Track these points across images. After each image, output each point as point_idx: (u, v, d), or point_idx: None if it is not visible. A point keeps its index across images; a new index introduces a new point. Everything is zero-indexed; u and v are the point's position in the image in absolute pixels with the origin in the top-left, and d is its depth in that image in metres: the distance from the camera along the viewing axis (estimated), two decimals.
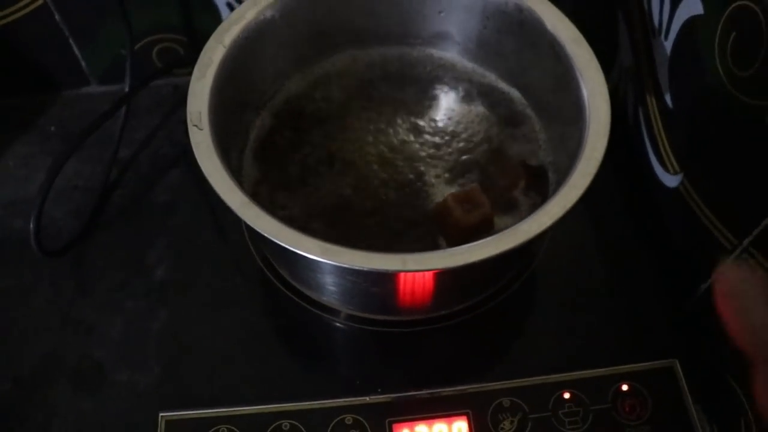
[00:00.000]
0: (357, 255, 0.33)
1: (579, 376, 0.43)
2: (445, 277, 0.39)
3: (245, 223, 0.49)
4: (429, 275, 0.37)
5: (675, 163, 0.48)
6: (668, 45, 0.47)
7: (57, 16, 0.58)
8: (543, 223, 0.35)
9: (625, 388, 0.43)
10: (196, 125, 0.38)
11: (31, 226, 0.50)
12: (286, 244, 0.34)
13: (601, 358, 0.44)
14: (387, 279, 0.37)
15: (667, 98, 0.48)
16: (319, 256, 0.33)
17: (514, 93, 0.49)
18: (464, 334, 0.45)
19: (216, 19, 0.61)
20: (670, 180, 0.49)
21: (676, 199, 0.47)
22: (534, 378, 0.43)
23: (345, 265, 0.33)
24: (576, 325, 0.46)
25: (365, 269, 0.33)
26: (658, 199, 0.51)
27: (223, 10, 0.60)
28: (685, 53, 0.45)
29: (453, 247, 0.34)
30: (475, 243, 0.34)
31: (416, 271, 0.33)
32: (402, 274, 0.36)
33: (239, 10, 0.44)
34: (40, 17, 0.58)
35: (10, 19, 0.58)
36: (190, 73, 0.64)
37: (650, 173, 0.51)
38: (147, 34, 0.61)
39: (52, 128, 0.63)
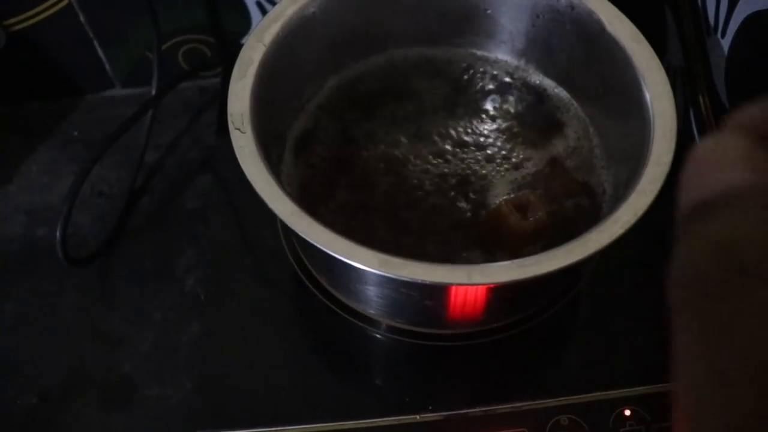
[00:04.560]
0: (418, 267, 0.31)
1: (640, 392, 0.41)
2: (505, 289, 0.37)
3: (282, 230, 0.48)
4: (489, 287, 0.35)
5: None
6: (725, 43, 0.45)
7: (81, 17, 0.56)
8: (614, 233, 0.33)
9: None
10: (238, 128, 0.36)
11: (58, 234, 0.48)
12: (341, 255, 0.31)
13: (663, 374, 0.41)
14: (445, 291, 0.35)
15: (724, 98, 0.46)
16: (377, 269, 0.31)
17: (564, 94, 0.47)
18: (516, 349, 0.43)
19: (245, 19, 0.59)
20: None
21: None
22: (592, 394, 0.41)
23: (406, 279, 0.31)
24: (633, 339, 0.44)
25: (428, 282, 0.30)
26: None
27: (253, 9, 0.58)
28: (745, 51, 0.43)
29: (519, 259, 0.32)
30: (543, 254, 0.32)
31: (482, 284, 0.31)
32: (462, 286, 0.34)
33: (279, 7, 0.42)
34: (65, 18, 0.56)
35: (33, 21, 0.56)
36: (217, 75, 0.63)
37: None
38: (173, 35, 0.60)
39: (75, 133, 0.61)
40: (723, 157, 0.13)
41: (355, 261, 0.31)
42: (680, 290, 0.14)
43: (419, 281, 0.30)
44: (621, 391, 0.41)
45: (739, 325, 0.12)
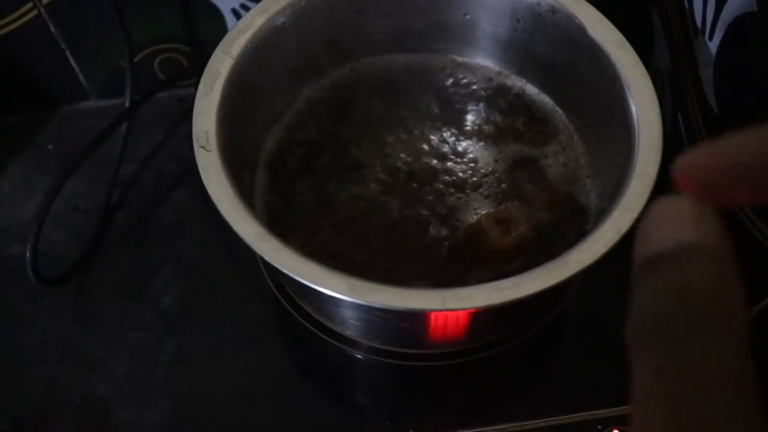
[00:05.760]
0: (389, 293, 0.29)
1: (628, 411, 0.39)
2: (484, 311, 0.35)
3: None
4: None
5: None
6: (713, 45, 0.43)
7: (52, 28, 0.55)
8: (597, 252, 0.31)
9: None
10: (203, 147, 0.35)
11: (27, 254, 0.46)
12: (307, 281, 0.30)
13: None
14: (421, 315, 0.34)
15: (712, 102, 0.44)
16: (345, 295, 0.29)
17: (548, 101, 0.45)
18: (500, 368, 0.42)
19: (221, 27, 0.57)
20: None
21: (723, 214, 0.43)
22: (579, 414, 0.39)
23: (376, 305, 0.29)
24: (621, 356, 0.42)
25: (400, 309, 0.29)
26: None
27: (229, 17, 0.56)
28: (733, 53, 0.41)
29: (497, 281, 0.30)
30: (522, 275, 0.30)
31: (458, 309, 0.29)
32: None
33: (247, 17, 0.40)
34: (35, 29, 0.54)
35: (2, 32, 0.55)
36: (194, 85, 0.61)
37: None
38: (148, 44, 0.58)
39: (50, 146, 0.59)
40: (676, 216, 0.15)
41: (322, 287, 0.30)
42: (636, 333, 0.15)
43: (390, 307, 0.29)
44: (609, 410, 0.40)
45: (685, 368, 0.14)
